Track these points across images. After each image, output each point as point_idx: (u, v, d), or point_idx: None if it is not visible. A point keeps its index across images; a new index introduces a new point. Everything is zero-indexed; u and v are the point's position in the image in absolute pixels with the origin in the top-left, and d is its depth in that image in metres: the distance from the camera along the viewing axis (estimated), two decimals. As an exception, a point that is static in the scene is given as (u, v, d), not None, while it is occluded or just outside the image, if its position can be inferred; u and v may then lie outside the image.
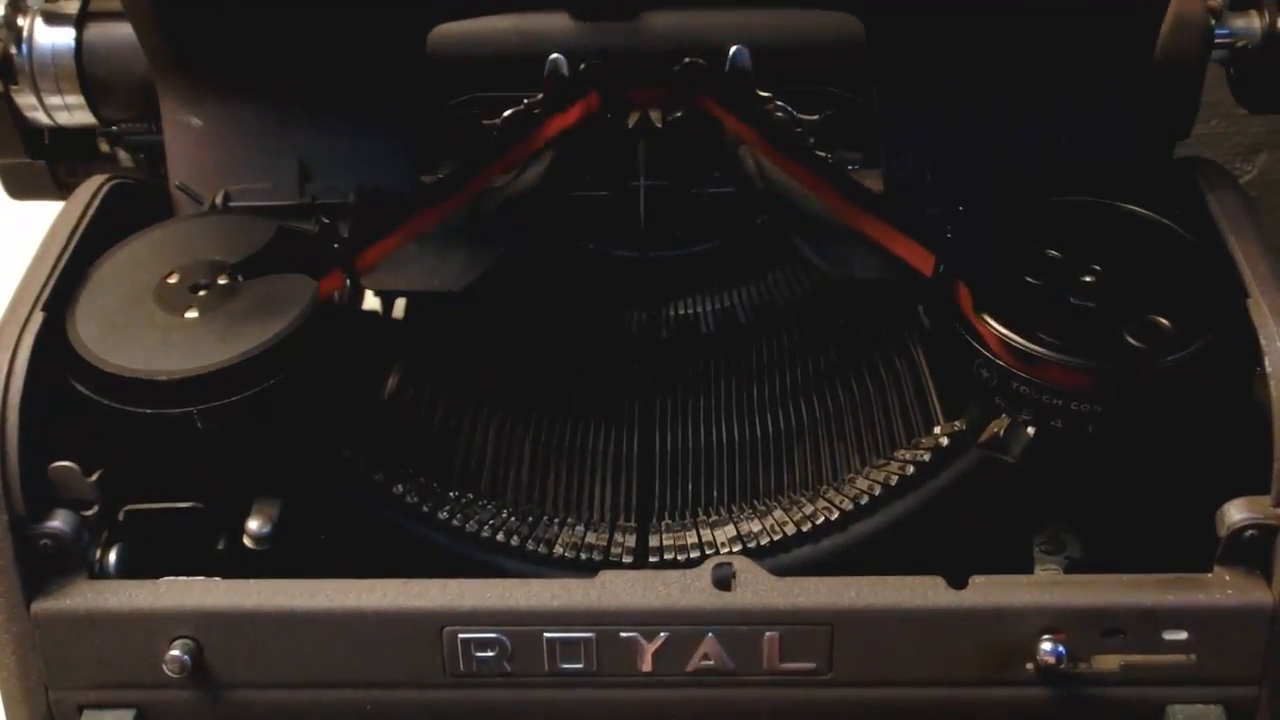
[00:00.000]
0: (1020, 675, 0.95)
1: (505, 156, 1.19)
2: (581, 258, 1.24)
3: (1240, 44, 1.20)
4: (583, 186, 1.23)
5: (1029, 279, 1.04)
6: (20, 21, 1.21)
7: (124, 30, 1.21)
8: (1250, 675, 0.95)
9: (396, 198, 1.18)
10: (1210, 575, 0.95)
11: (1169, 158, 1.21)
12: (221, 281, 1.05)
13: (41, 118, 1.23)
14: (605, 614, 0.95)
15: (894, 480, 1.04)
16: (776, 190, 1.21)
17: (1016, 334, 0.99)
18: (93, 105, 1.24)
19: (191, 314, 1.02)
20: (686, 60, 1.19)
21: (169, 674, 0.95)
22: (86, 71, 1.23)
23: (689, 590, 0.95)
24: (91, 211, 1.11)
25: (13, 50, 1.19)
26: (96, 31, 1.23)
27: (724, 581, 0.95)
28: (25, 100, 1.21)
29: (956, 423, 1.07)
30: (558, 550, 1.04)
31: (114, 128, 1.26)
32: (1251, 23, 1.20)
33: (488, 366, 1.19)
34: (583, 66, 1.18)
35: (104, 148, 1.28)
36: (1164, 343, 0.98)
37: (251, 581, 0.96)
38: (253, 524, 0.99)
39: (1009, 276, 1.04)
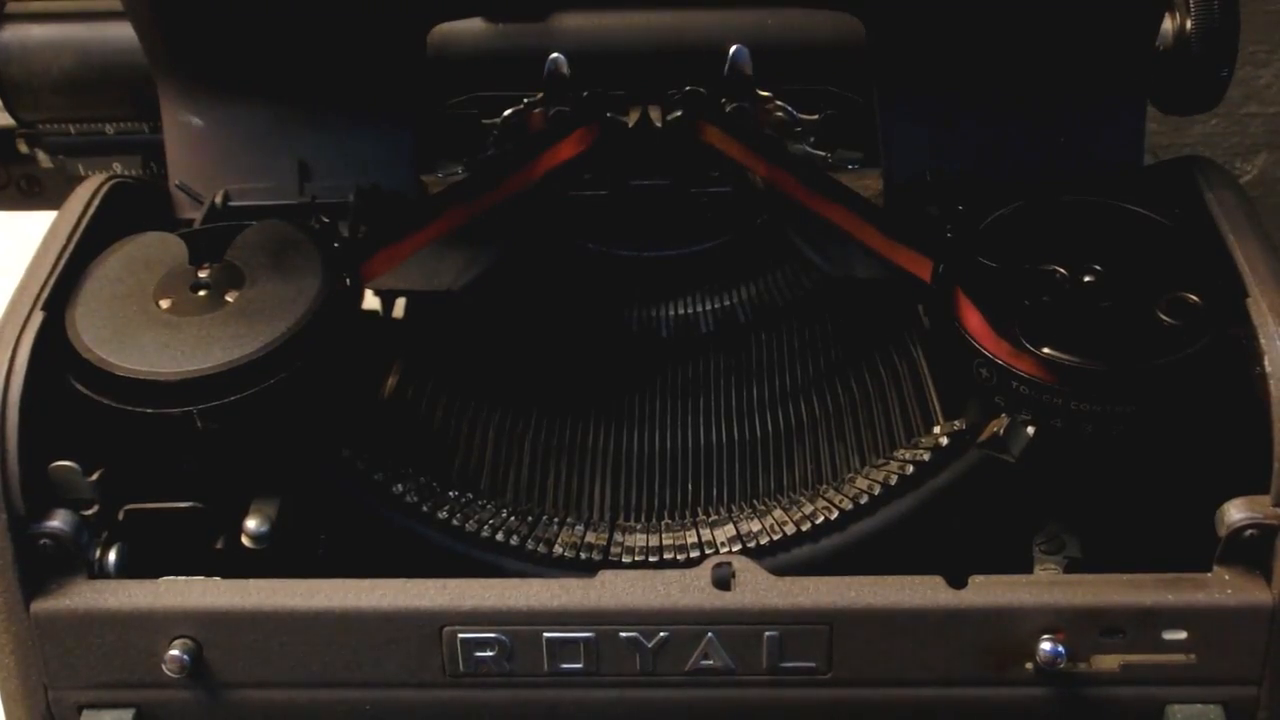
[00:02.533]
0: (1020, 675, 0.95)
1: (506, 184, 1.19)
2: (581, 257, 1.24)
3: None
4: (583, 186, 1.23)
5: (1028, 282, 1.04)
6: None
7: (39, 32, 1.23)
8: (1250, 675, 0.95)
9: (397, 200, 1.18)
10: (1210, 575, 0.95)
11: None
12: (202, 275, 1.05)
13: None
14: (605, 614, 0.95)
15: (894, 480, 1.04)
16: (776, 190, 1.21)
17: (1018, 339, 0.99)
18: (9, 106, 1.26)
19: (192, 313, 1.02)
20: (687, 88, 1.19)
21: (168, 674, 0.95)
22: (2, 73, 1.24)
23: (689, 590, 0.95)
24: (91, 211, 1.11)
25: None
26: (11, 34, 1.25)
27: (723, 581, 0.95)
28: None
29: (956, 422, 1.07)
30: (557, 550, 1.03)
31: (34, 128, 1.28)
32: (1164, 24, 1.20)
33: (487, 366, 1.19)
34: (585, 94, 1.18)
35: (23, 148, 1.30)
36: (1197, 320, 0.98)
37: (251, 581, 0.96)
38: (251, 523, 0.99)
39: (1008, 279, 1.04)
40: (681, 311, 1.23)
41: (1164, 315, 0.99)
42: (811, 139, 1.22)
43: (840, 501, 1.04)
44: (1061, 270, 1.04)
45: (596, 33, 1.23)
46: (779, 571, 0.96)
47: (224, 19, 1.16)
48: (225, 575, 0.98)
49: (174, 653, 0.95)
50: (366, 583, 0.96)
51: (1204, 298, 1.00)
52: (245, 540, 0.99)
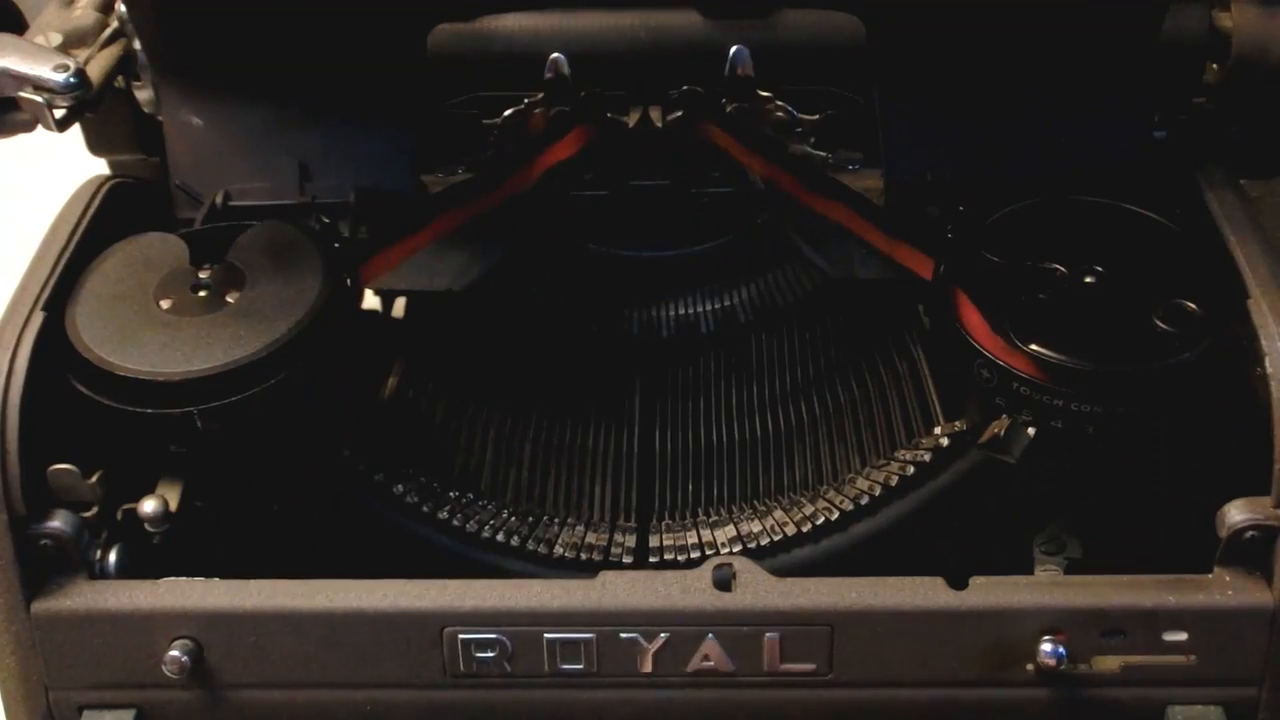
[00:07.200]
0: (1020, 676, 0.95)
1: (503, 186, 1.19)
2: (581, 257, 1.24)
3: None
4: (583, 186, 1.23)
5: (1028, 278, 1.04)
6: None
7: None
8: (1250, 676, 0.95)
9: (397, 200, 1.17)
10: (1210, 576, 0.95)
11: None
12: (203, 275, 1.05)
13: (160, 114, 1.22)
14: (605, 614, 0.95)
15: (894, 480, 1.04)
16: (776, 190, 1.21)
17: (1019, 339, 0.99)
18: None
19: (192, 314, 1.02)
20: (685, 88, 1.19)
21: (168, 674, 0.95)
22: None
23: (689, 591, 0.95)
24: (91, 211, 1.11)
25: (135, 46, 1.18)
26: None
27: (724, 582, 0.95)
28: (145, 96, 1.20)
29: (957, 423, 1.07)
30: (558, 550, 1.04)
31: None
32: None
33: (488, 366, 1.19)
34: (584, 95, 1.18)
35: None
36: (1193, 325, 0.98)
37: (251, 581, 0.96)
38: (147, 506, 0.99)
39: (1009, 275, 1.04)
40: (682, 311, 1.23)
41: (1160, 320, 0.99)
42: (812, 139, 1.22)
43: (841, 502, 1.04)
44: (1062, 269, 1.04)
45: (597, 33, 1.23)
46: (780, 572, 0.96)
47: (225, 19, 1.16)
48: (225, 575, 0.98)
49: (174, 653, 0.95)
50: (367, 583, 0.96)
51: (1203, 306, 1.00)
52: (145, 525, 0.99)
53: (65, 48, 1.11)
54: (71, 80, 1.02)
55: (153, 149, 1.23)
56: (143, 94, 1.19)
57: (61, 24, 1.13)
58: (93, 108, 1.09)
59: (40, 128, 1.06)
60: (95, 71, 1.10)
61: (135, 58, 1.17)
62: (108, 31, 1.15)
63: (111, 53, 1.14)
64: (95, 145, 1.24)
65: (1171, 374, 0.97)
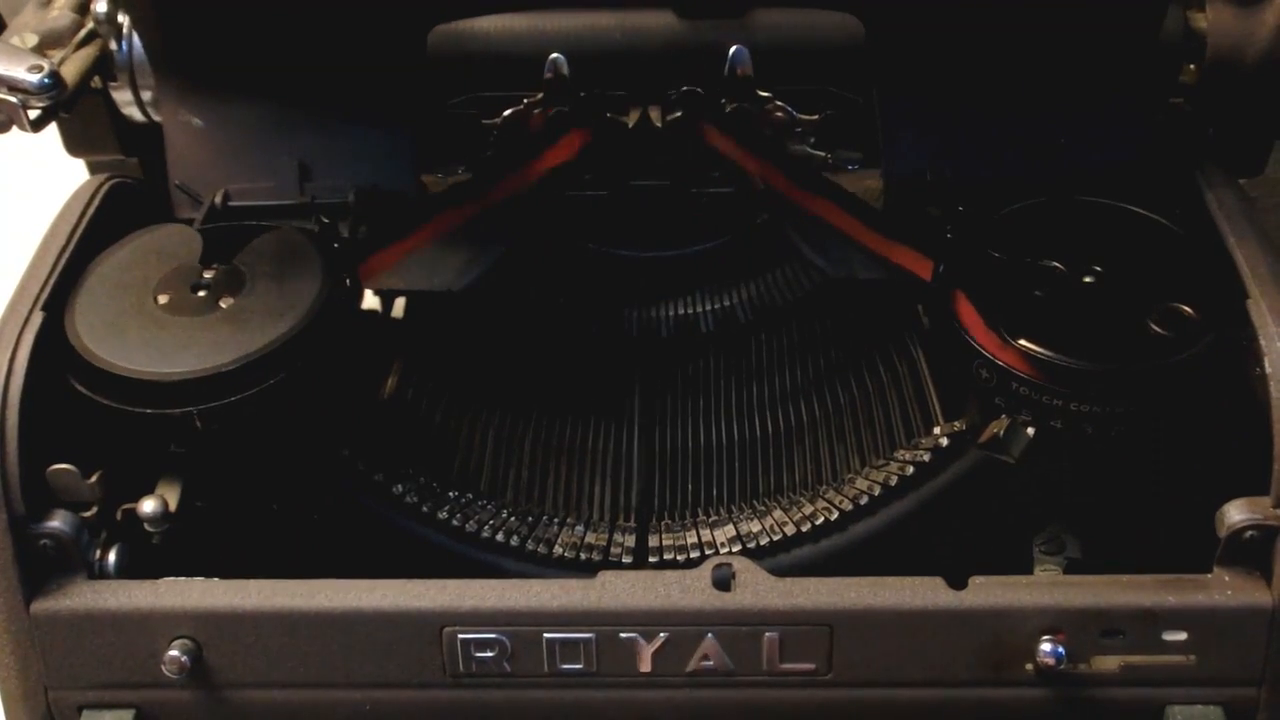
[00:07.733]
0: (1020, 676, 0.95)
1: (499, 188, 1.19)
2: (581, 257, 1.24)
3: None
4: (583, 186, 1.23)
5: (1026, 276, 1.04)
6: (120, 18, 1.18)
7: None
8: (1250, 676, 0.95)
9: (397, 200, 1.18)
10: (1210, 576, 0.95)
11: None
12: (207, 276, 1.05)
13: (137, 115, 1.22)
14: (605, 614, 0.95)
15: (894, 480, 1.04)
16: (776, 190, 1.21)
17: (1017, 338, 0.99)
18: None
19: (184, 314, 1.02)
20: (684, 89, 1.19)
21: (168, 674, 0.95)
22: None
23: (688, 591, 0.95)
24: (91, 211, 1.11)
25: (112, 46, 1.18)
26: None
27: (723, 582, 0.95)
28: (122, 97, 1.20)
29: (956, 423, 1.07)
30: (557, 550, 1.04)
31: None
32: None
33: (487, 366, 1.19)
34: (582, 95, 1.18)
35: None
36: (1188, 330, 0.98)
37: (251, 581, 0.96)
38: (146, 506, 0.99)
39: (1008, 280, 1.04)
40: (681, 311, 1.23)
41: (1155, 323, 0.99)
42: (811, 139, 1.22)
43: (840, 502, 1.04)
44: (1061, 268, 1.04)
45: (597, 33, 1.23)
46: (779, 572, 0.96)
47: (225, 19, 1.16)
48: (225, 575, 0.98)
49: (174, 653, 0.95)
50: (366, 583, 0.96)
51: (1200, 309, 1.00)
52: (145, 525, 0.99)
53: (41, 49, 1.11)
54: (46, 81, 1.02)
55: (131, 149, 1.23)
56: (120, 95, 1.20)
57: (38, 25, 1.13)
58: (67, 108, 1.09)
59: (15, 129, 1.06)
60: (70, 72, 1.10)
61: (112, 58, 1.17)
62: (83, 32, 1.15)
63: (87, 53, 1.14)
64: (73, 146, 1.25)
65: (1170, 373, 0.97)
